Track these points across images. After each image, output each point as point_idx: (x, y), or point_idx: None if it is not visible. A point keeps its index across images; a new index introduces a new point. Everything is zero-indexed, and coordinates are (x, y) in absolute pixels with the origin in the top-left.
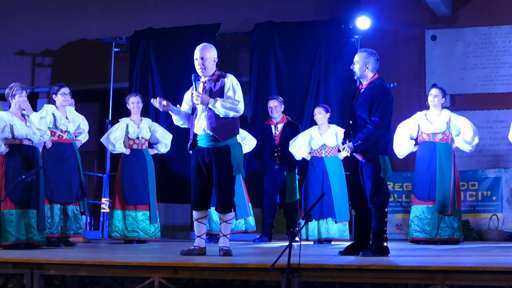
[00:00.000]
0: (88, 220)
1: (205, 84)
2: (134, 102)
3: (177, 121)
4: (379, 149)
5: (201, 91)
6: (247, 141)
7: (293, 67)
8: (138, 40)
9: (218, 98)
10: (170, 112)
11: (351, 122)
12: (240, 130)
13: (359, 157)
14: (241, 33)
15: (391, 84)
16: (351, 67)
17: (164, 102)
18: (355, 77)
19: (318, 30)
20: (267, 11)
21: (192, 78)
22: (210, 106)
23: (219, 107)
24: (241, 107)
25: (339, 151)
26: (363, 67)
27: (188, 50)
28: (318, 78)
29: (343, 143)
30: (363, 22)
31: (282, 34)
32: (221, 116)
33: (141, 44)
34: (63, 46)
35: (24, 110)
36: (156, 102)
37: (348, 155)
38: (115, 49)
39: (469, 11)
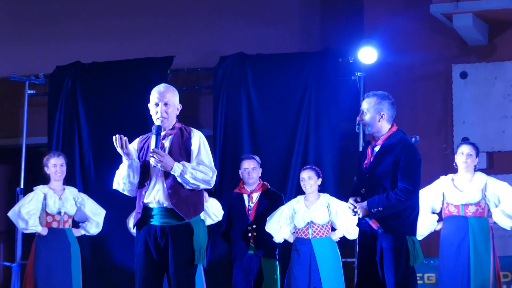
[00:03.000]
0: None
1: (163, 141)
2: (56, 165)
3: (128, 179)
4: (407, 227)
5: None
6: (214, 209)
7: (273, 115)
8: (61, 79)
9: (185, 164)
10: (126, 160)
11: (363, 191)
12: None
13: (374, 225)
14: (202, 69)
15: (413, 138)
16: (357, 120)
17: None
18: (367, 131)
19: (306, 64)
20: (237, 40)
21: (154, 131)
22: (176, 176)
23: (189, 178)
24: (214, 178)
25: (332, 230)
26: (376, 116)
27: (129, 92)
28: (306, 130)
29: (354, 202)
30: (367, 55)
31: (257, 71)
32: (186, 187)
33: (65, 84)
34: None
35: None
36: (117, 141)
37: (359, 217)
38: (29, 91)
39: None
